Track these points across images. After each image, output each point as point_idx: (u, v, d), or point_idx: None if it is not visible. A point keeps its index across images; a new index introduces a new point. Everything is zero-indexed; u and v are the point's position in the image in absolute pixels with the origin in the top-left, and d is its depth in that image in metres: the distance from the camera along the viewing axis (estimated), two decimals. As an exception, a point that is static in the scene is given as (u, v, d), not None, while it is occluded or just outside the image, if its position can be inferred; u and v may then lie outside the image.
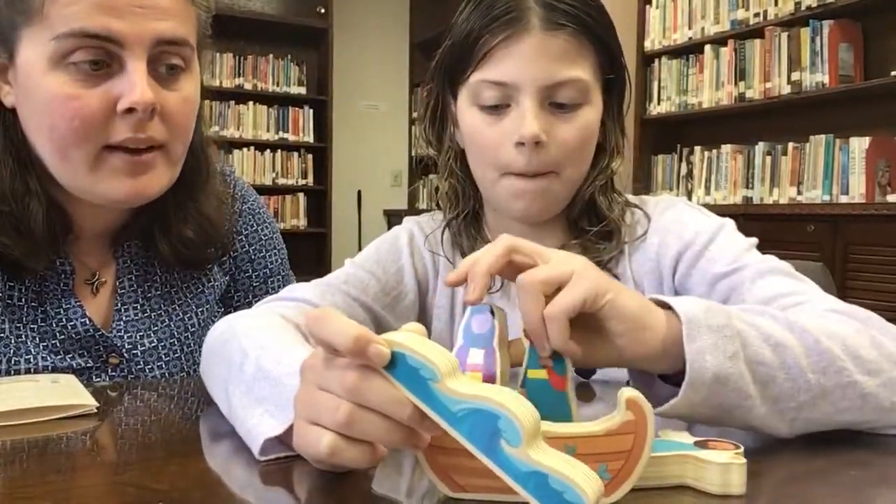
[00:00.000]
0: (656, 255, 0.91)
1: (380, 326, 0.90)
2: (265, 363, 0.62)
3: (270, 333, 0.69)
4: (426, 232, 0.97)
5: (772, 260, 0.83)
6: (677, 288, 0.88)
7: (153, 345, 0.95)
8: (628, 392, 0.50)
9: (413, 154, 6.08)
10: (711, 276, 0.84)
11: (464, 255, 0.96)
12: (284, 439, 0.57)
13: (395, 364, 0.46)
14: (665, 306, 0.61)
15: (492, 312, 0.59)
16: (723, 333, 0.58)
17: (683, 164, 3.86)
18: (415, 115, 6.05)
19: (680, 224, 0.90)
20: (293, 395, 0.56)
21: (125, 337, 0.94)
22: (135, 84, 0.80)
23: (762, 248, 0.87)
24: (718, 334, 0.58)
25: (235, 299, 1.07)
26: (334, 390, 0.48)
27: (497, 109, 0.86)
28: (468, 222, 0.96)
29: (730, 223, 0.90)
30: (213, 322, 0.91)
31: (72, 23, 0.78)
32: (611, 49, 0.89)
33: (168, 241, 0.95)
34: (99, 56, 0.80)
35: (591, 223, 0.92)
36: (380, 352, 0.46)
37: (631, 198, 0.96)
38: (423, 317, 0.96)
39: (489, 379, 0.58)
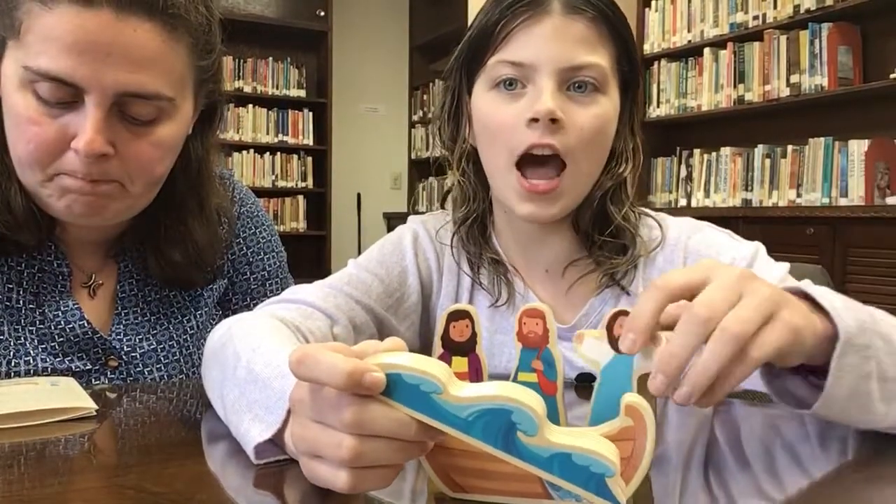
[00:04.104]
0: None
1: (382, 328, 0.89)
2: (255, 366, 0.62)
3: (264, 336, 0.69)
4: (431, 231, 0.97)
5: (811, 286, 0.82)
6: None
7: (152, 347, 0.95)
8: (628, 398, 0.50)
9: (412, 157, 6.09)
10: None
11: (470, 261, 0.95)
12: (277, 441, 0.56)
13: (393, 386, 0.45)
14: (819, 307, 0.60)
15: (470, 318, 0.59)
16: (864, 354, 0.59)
17: (683, 167, 3.86)
18: (415, 117, 6.06)
19: (714, 250, 0.88)
20: (282, 398, 0.55)
21: (124, 339, 0.94)
22: (86, 130, 0.78)
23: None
24: (860, 354, 0.59)
25: (233, 302, 1.07)
26: (332, 424, 0.46)
27: (513, 88, 0.85)
28: (475, 227, 0.95)
29: (762, 248, 0.88)
30: (212, 325, 0.91)
31: (39, 61, 0.77)
32: (626, 42, 0.88)
33: (156, 259, 0.96)
34: (61, 94, 0.78)
35: (601, 234, 0.90)
36: (375, 380, 0.45)
37: (648, 212, 0.95)
38: (427, 318, 0.96)
39: None
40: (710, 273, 0.55)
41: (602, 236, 0.90)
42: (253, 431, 0.57)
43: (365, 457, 0.46)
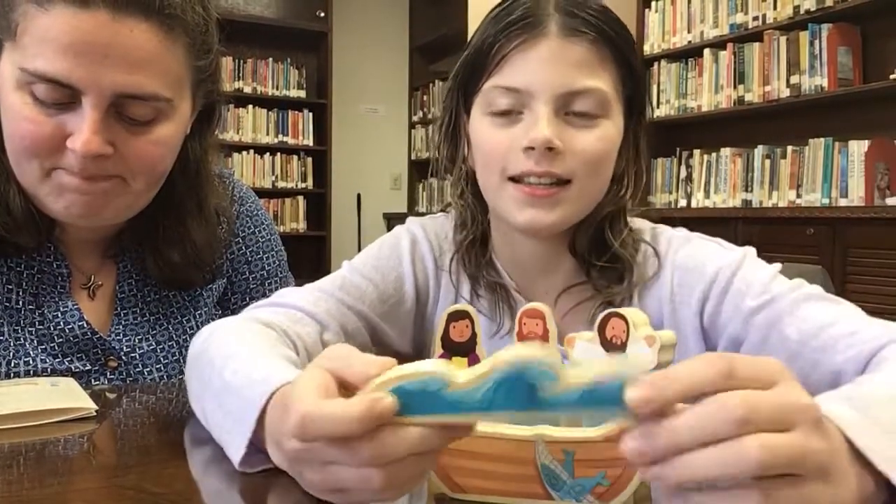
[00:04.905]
0: (671, 296, 0.85)
1: (374, 334, 0.87)
2: (227, 374, 0.61)
3: (241, 342, 0.67)
4: (431, 237, 0.93)
5: (802, 285, 0.79)
6: (707, 328, 0.84)
7: (151, 348, 0.95)
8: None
9: (412, 157, 6.10)
10: (745, 311, 0.79)
11: (470, 279, 0.91)
12: (260, 446, 0.56)
13: (399, 401, 0.44)
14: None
15: (470, 318, 0.59)
16: None
17: (683, 168, 3.86)
18: (415, 118, 6.07)
19: (699, 262, 0.85)
20: (251, 405, 0.55)
21: (124, 340, 0.94)
22: (82, 131, 0.78)
23: (761, 252, 0.86)
24: None
25: (233, 302, 1.07)
26: (351, 464, 0.45)
27: (509, 115, 0.81)
28: (476, 247, 0.91)
29: (751, 252, 0.85)
30: (212, 324, 0.91)
31: (36, 62, 0.77)
32: (631, 64, 0.84)
33: (154, 260, 0.96)
34: (58, 95, 0.78)
35: (599, 258, 0.86)
36: (387, 406, 0.43)
37: (641, 225, 0.91)
38: (422, 325, 0.92)
39: None
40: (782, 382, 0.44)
41: (600, 262, 0.86)
42: (231, 447, 0.57)
43: (397, 477, 0.45)
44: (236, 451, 0.56)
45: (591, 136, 0.80)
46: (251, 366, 0.60)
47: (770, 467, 0.40)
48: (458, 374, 0.44)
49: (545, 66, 0.79)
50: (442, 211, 0.98)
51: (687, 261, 0.86)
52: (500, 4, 0.85)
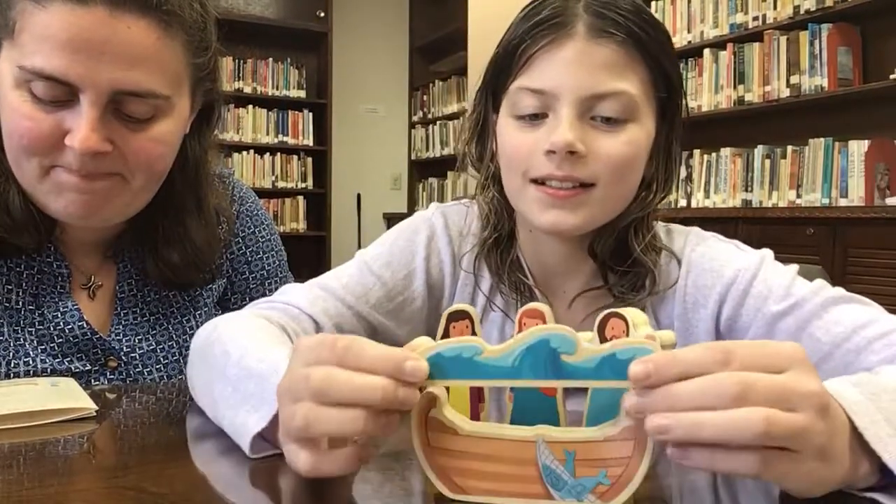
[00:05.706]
0: (684, 297, 0.85)
1: (375, 334, 0.86)
2: (248, 362, 0.63)
3: (252, 335, 0.69)
4: (452, 229, 0.91)
5: (825, 287, 0.79)
6: (723, 331, 0.83)
7: (151, 348, 0.95)
8: (629, 399, 0.50)
9: (412, 157, 6.10)
10: (768, 315, 0.79)
11: (492, 273, 0.90)
12: (271, 439, 0.57)
13: (437, 368, 0.49)
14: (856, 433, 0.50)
15: (470, 318, 0.59)
16: None
17: (683, 168, 3.86)
18: (415, 118, 6.07)
19: (716, 262, 0.84)
20: (275, 390, 0.55)
21: (123, 340, 0.94)
22: (80, 128, 0.78)
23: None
24: None
25: (232, 302, 1.07)
26: (301, 397, 0.49)
27: (535, 119, 0.80)
28: (502, 244, 0.89)
29: (768, 254, 0.84)
30: (212, 325, 0.91)
31: (34, 60, 0.77)
32: (663, 66, 0.81)
33: (154, 261, 0.95)
34: (56, 93, 0.78)
35: (619, 263, 0.85)
36: (419, 368, 0.47)
37: (658, 227, 0.89)
38: (434, 323, 0.89)
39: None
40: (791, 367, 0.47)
41: (620, 267, 0.85)
42: (249, 423, 0.58)
43: (318, 460, 0.49)
44: (255, 425, 0.57)
45: (617, 140, 0.78)
46: (273, 355, 0.62)
47: (770, 438, 0.44)
48: (488, 346, 0.49)
49: (570, 67, 0.78)
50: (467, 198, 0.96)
51: (701, 260, 0.86)
52: (530, 3, 0.84)
